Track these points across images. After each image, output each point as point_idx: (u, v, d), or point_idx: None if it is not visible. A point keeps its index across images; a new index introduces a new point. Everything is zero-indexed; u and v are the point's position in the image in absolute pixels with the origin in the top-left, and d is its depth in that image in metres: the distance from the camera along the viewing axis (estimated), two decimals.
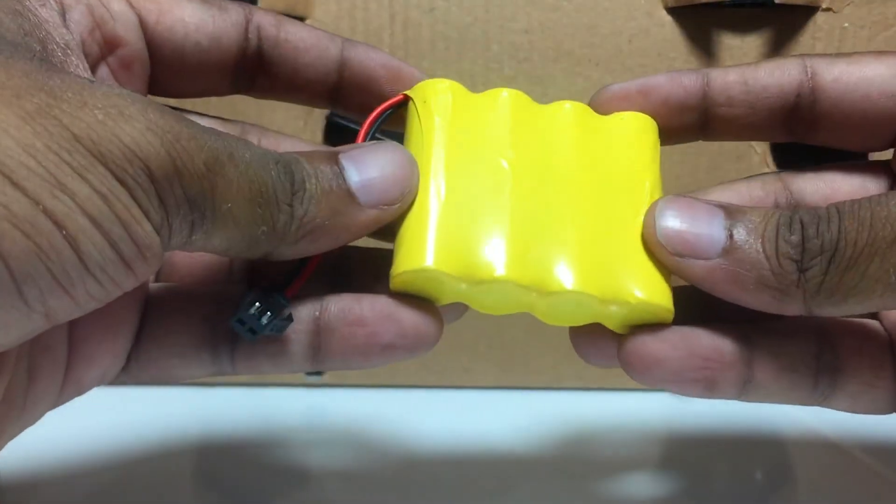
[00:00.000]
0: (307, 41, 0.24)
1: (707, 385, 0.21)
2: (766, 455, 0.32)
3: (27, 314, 0.16)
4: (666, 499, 0.29)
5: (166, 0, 0.23)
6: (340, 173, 0.20)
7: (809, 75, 0.23)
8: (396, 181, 0.21)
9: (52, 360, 0.20)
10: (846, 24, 0.32)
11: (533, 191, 0.21)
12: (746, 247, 0.20)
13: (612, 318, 0.21)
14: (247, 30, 0.24)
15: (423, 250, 0.20)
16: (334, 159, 0.21)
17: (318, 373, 0.36)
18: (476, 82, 0.33)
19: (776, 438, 0.33)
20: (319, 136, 0.33)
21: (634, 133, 0.23)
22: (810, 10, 0.32)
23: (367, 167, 0.21)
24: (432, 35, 0.32)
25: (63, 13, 0.20)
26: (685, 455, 0.32)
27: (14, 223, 0.15)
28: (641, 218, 0.22)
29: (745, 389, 0.22)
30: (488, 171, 0.22)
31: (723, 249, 0.20)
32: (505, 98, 0.23)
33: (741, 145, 0.33)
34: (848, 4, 0.32)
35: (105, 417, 0.32)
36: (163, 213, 0.17)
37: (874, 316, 0.24)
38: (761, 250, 0.20)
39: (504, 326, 0.35)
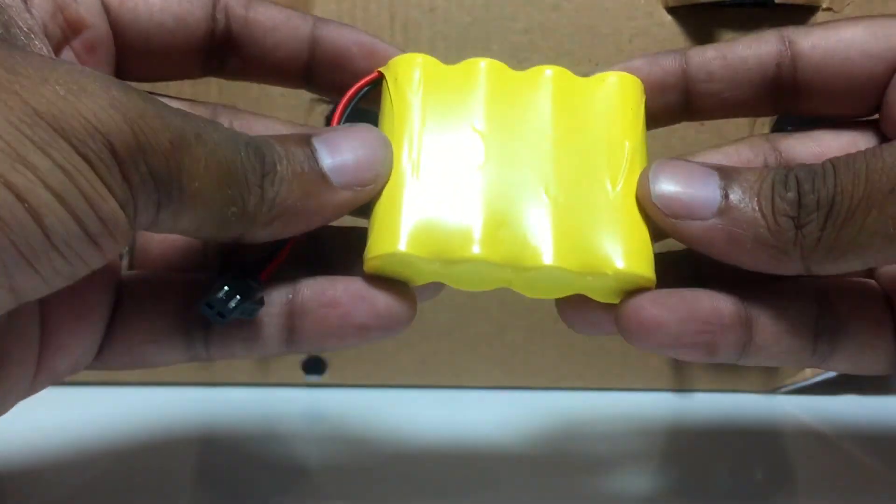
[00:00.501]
0: (276, 19, 0.24)
1: (707, 349, 0.21)
2: (766, 454, 0.32)
3: None
4: (666, 499, 0.29)
5: None
6: (312, 155, 0.20)
7: (787, 44, 0.23)
8: (370, 163, 0.21)
9: (23, 347, 0.20)
10: None
11: (508, 163, 0.21)
12: (742, 206, 0.20)
13: (594, 288, 0.21)
14: (214, 9, 0.23)
15: (395, 233, 0.20)
16: (306, 141, 0.21)
17: (319, 373, 0.36)
18: None
19: (776, 438, 0.33)
20: None
21: (616, 94, 0.23)
22: (810, 10, 0.32)
23: (339, 149, 0.21)
24: (432, 35, 0.32)
25: None
26: (685, 455, 0.32)
27: None
28: (621, 182, 0.21)
29: (744, 352, 0.21)
30: (462, 145, 0.21)
31: (718, 209, 0.20)
32: (481, 68, 0.22)
33: (742, 128, 0.33)
34: (848, 4, 0.32)
35: (105, 417, 0.32)
36: (127, 190, 0.17)
37: (870, 275, 0.24)
38: (757, 208, 0.20)
39: (504, 326, 0.35)
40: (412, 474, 0.30)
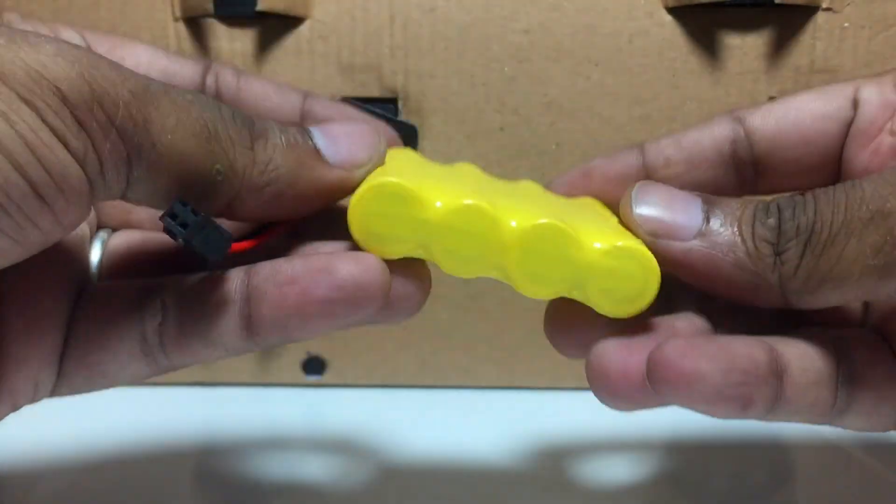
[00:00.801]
0: (267, 89, 0.24)
1: (743, 403, 0.19)
2: (766, 455, 0.32)
3: None
4: (666, 499, 0.29)
5: (118, 39, 0.23)
6: (307, 133, 0.20)
7: (739, 122, 0.24)
8: (363, 142, 0.21)
9: None
10: (846, 24, 0.32)
11: (506, 194, 0.22)
12: (723, 230, 0.20)
13: (593, 280, 0.20)
14: (205, 75, 0.23)
15: (386, 174, 0.20)
16: (299, 124, 0.21)
17: (319, 373, 0.36)
18: (476, 82, 0.33)
19: (776, 438, 0.33)
20: None
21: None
22: (810, 10, 0.32)
23: (332, 131, 0.21)
24: (432, 35, 0.32)
25: None
26: (685, 455, 0.32)
27: None
28: (613, 224, 0.22)
29: (774, 406, 0.19)
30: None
31: (699, 232, 0.20)
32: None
33: None
34: (848, 4, 0.32)
35: (105, 417, 0.32)
36: (85, 140, 0.16)
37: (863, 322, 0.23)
38: (738, 233, 0.20)
39: (504, 326, 0.35)
40: (411, 474, 0.30)
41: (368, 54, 0.33)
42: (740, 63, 0.32)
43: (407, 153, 0.24)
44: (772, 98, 0.32)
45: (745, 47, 0.32)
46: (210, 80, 0.23)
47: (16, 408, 0.20)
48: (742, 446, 0.32)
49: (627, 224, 0.21)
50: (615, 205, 0.23)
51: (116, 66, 0.17)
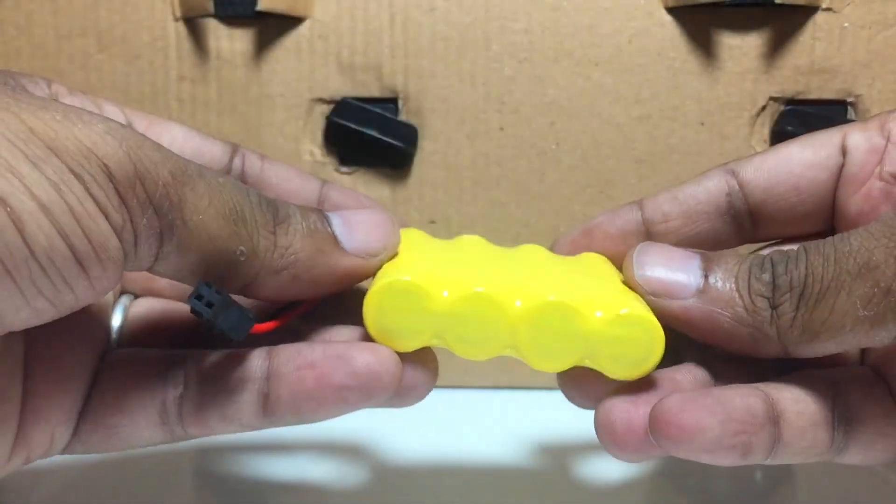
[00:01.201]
0: (289, 173, 0.25)
1: (744, 450, 0.20)
2: None
3: None
4: (666, 499, 0.29)
5: (157, 118, 0.24)
6: (325, 219, 0.21)
7: (733, 175, 0.24)
8: (379, 232, 0.22)
9: (4, 415, 0.20)
10: (846, 24, 0.32)
11: (512, 266, 0.23)
12: (720, 287, 0.21)
13: (600, 349, 0.21)
14: (233, 155, 0.25)
15: (401, 271, 0.21)
16: (319, 210, 0.21)
17: None
18: (476, 82, 0.33)
19: None
20: (319, 136, 0.33)
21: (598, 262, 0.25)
22: (810, 10, 0.32)
23: (350, 220, 0.21)
24: (432, 35, 0.32)
25: None
26: None
27: None
28: (617, 285, 0.22)
29: (773, 451, 0.20)
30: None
31: (697, 290, 0.21)
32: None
33: (742, 128, 0.33)
34: (848, 4, 0.32)
35: None
36: (125, 214, 0.17)
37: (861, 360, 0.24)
38: (735, 289, 0.20)
39: None
40: (411, 474, 0.30)
41: (368, 54, 0.33)
42: (740, 63, 0.32)
43: (415, 234, 0.24)
44: (772, 99, 0.32)
45: (744, 47, 0.32)
46: (237, 162, 0.25)
47: (29, 461, 0.21)
48: None
49: (630, 284, 0.22)
50: (619, 259, 0.23)
51: (159, 147, 0.18)
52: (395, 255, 0.22)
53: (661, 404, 0.20)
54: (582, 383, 0.23)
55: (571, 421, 0.27)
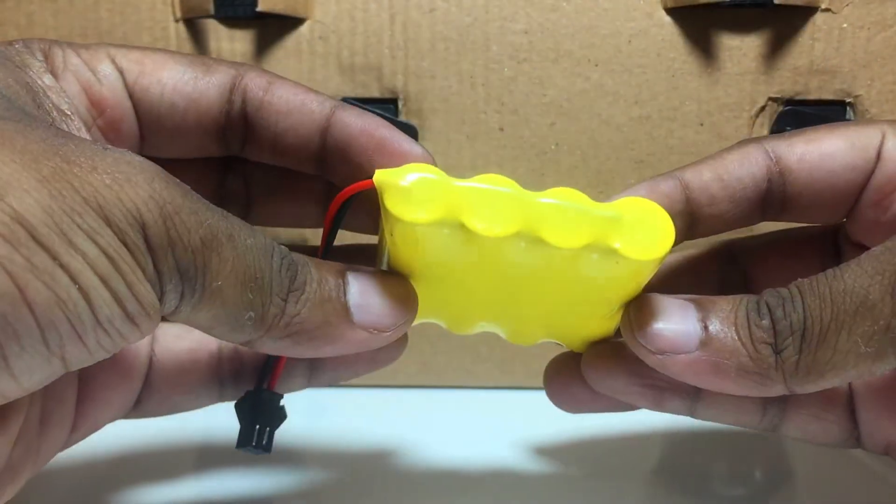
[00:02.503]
0: (291, 104, 0.23)
1: (655, 398, 0.23)
2: (766, 455, 0.32)
3: (48, 359, 0.17)
4: (666, 498, 0.29)
5: (150, 60, 0.23)
6: (343, 287, 0.21)
7: (774, 159, 0.24)
8: (394, 311, 0.21)
9: (62, 407, 0.23)
10: (845, 25, 0.32)
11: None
12: (722, 336, 0.21)
13: (619, 225, 0.20)
14: (231, 93, 0.23)
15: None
16: (341, 273, 0.21)
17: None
18: (476, 82, 0.33)
19: (776, 438, 0.33)
20: None
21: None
22: (809, 11, 0.32)
23: (369, 289, 0.21)
24: (432, 35, 0.33)
25: (58, 81, 0.22)
26: (685, 455, 0.32)
27: (36, 275, 0.16)
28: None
29: (694, 407, 0.23)
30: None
31: (700, 342, 0.21)
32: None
33: (741, 129, 0.33)
34: (847, 5, 0.32)
35: None
36: (157, 278, 0.18)
37: None
38: (737, 338, 0.21)
39: None
40: (412, 474, 0.30)
41: (368, 54, 0.33)
42: (739, 64, 0.32)
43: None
44: (772, 100, 0.32)
45: (743, 48, 0.32)
46: (237, 98, 0.23)
47: (94, 431, 0.25)
48: (742, 445, 0.32)
49: (631, 346, 0.22)
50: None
51: (196, 211, 0.18)
52: (411, 320, 0.22)
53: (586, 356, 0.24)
54: (569, 387, 0.25)
55: (571, 421, 0.27)
